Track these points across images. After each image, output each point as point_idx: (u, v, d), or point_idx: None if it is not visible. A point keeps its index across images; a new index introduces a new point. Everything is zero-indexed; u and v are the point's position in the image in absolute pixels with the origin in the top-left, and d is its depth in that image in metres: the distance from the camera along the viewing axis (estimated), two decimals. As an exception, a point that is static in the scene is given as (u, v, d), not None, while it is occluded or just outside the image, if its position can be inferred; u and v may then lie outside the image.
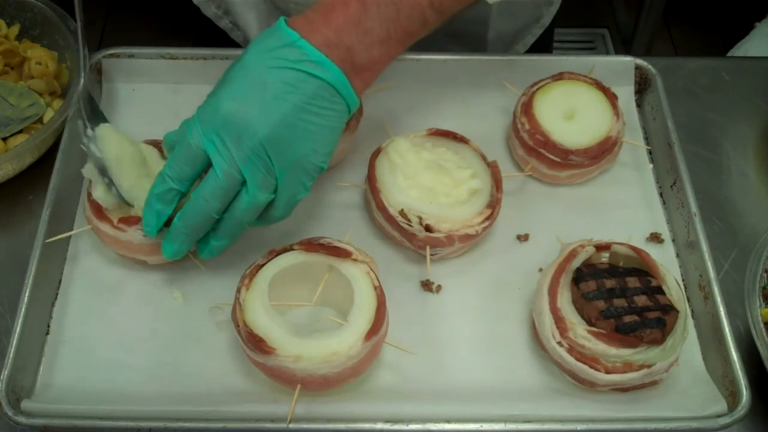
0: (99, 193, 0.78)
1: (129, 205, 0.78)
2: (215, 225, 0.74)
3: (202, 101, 0.94)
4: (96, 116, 0.82)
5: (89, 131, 0.78)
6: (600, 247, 0.78)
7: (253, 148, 0.69)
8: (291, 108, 0.69)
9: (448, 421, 0.72)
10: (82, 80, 0.80)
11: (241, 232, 0.75)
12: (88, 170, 0.78)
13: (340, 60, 0.71)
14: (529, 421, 0.72)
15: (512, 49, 1.10)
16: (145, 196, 0.76)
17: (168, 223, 0.75)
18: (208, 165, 0.71)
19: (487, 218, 0.81)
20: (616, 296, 0.73)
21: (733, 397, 0.74)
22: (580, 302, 0.74)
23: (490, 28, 1.04)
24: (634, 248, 0.77)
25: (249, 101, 0.69)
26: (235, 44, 1.08)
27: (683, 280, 0.84)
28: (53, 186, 0.84)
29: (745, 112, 1.02)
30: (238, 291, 0.73)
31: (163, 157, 0.81)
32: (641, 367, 0.71)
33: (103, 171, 0.77)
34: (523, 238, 0.87)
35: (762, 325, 0.76)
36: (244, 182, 0.71)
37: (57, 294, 0.81)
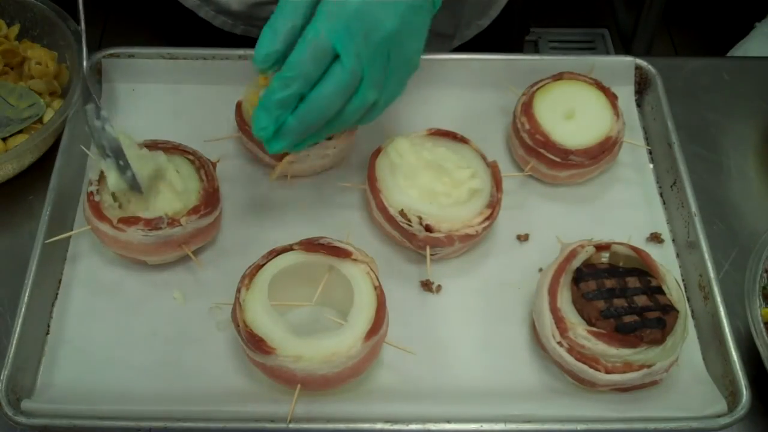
0: (111, 179, 0.77)
1: (139, 192, 0.77)
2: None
3: (202, 101, 0.95)
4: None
5: (103, 112, 0.77)
6: (600, 247, 0.78)
7: (379, 43, 0.68)
8: (407, 4, 0.69)
9: (448, 421, 0.72)
10: (85, 63, 0.79)
11: (336, 131, 0.74)
12: (94, 155, 0.78)
13: None
14: (529, 421, 0.72)
15: (487, 14, 1.10)
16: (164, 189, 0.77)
17: None
18: (331, 63, 0.68)
19: (487, 218, 0.81)
20: (616, 296, 0.73)
21: (733, 397, 0.74)
22: (580, 302, 0.74)
23: None
24: (634, 248, 0.77)
25: None
26: (221, 42, 1.07)
27: (683, 280, 0.84)
28: (53, 186, 0.84)
29: (745, 112, 1.02)
30: (238, 291, 0.73)
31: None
32: (641, 367, 0.71)
33: (117, 153, 0.77)
34: (523, 238, 0.87)
35: (762, 325, 0.76)
36: (360, 81, 0.69)
37: (57, 294, 0.81)
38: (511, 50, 0.99)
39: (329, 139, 0.85)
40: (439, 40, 1.08)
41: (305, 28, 0.67)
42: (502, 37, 1.14)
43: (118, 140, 0.77)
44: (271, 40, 0.69)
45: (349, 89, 0.69)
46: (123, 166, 0.76)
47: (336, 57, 0.67)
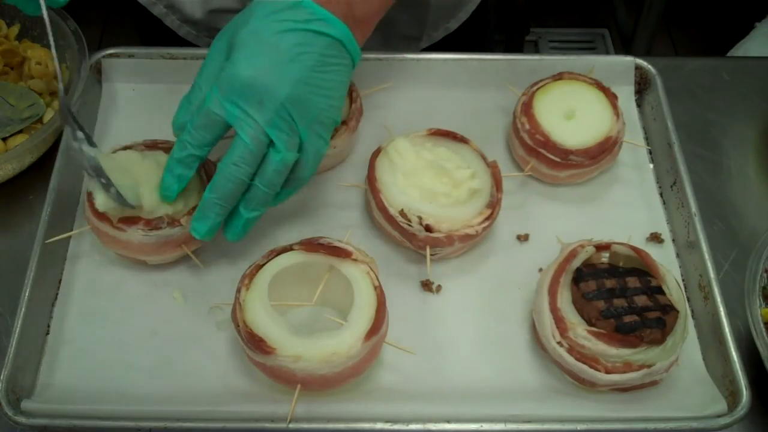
0: (99, 199, 0.77)
1: (130, 206, 0.77)
2: (245, 196, 0.75)
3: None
4: (85, 136, 0.79)
5: (78, 133, 0.77)
6: (600, 247, 0.78)
7: (277, 109, 0.71)
8: (306, 67, 0.72)
9: (448, 421, 0.72)
10: (61, 91, 0.77)
11: (271, 199, 0.76)
12: (87, 179, 0.78)
13: (343, 15, 0.73)
14: (529, 421, 0.72)
15: (455, 17, 1.10)
16: (149, 191, 0.77)
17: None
18: (226, 130, 0.73)
19: (487, 218, 0.81)
20: (616, 296, 0.73)
21: (733, 397, 0.74)
22: (580, 302, 0.74)
23: None
24: (634, 248, 0.77)
25: (265, 66, 0.71)
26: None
27: (683, 280, 0.84)
28: (53, 186, 0.84)
29: (745, 112, 1.02)
30: (238, 291, 0.73)
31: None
32: (641, 367, 0.71)
33: (98, 171, 0.76)
34: (523, 238, 0.87)
35: (762, 325, 0.76)
36: (269, 144, 0.72)
37: (57, 294, 0.81)
38: (485, 51, 1.00)
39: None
40: (405, 42, 1.09)
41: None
42: (473, 38, 1.14)
43: (96, 159, 0.76)
44: (185, 110, 0.75)
45: (257, 154, 0.72)
46: (106, 184, 0.76)
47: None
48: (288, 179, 0.76)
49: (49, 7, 0.77)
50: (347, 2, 0.74)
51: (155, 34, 1.08)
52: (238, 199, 0.74)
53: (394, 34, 1.07)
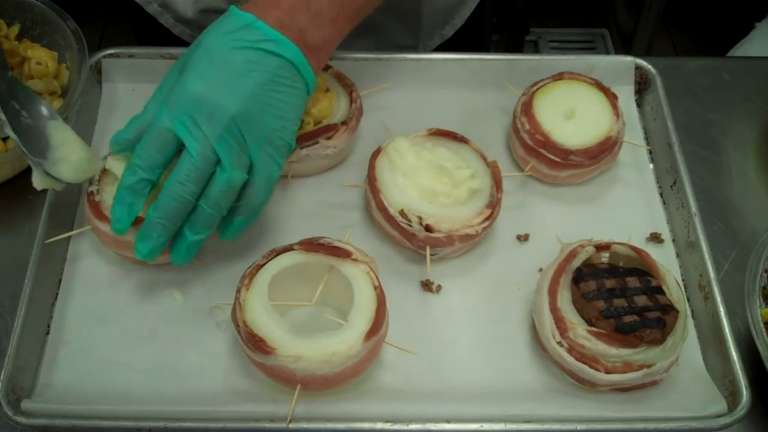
0: (33, 177, 0.75)
1: (64, 182, 0.75)
2: (190, 218, 0.73)
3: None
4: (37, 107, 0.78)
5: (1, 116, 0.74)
6: (600, 247, 0.78)
7: (226, 125, 0.70)
8: (257, 84, 0.71)
9: (448, 421, 0.72)
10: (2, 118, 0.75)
11: (216, 222, 0.74)
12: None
13: (294, 40, 0.73)
14: (529, 421, 0.72)
15: (450, 24, 1.10)
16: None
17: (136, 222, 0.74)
18: (178, 151, 0.71)
19: (487, 218, 0.81)
20: (616, 296, 0.73)
21: (733, 397, 0.74)
22: (580, 302, 0.74)
23: (424, 5, 1.05)
24: (634, 248, 0.77)
25: (216, 81, 0.70)
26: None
27: (683, 280, 0.84)
28: (53, 186, 0.84)
29: (745, 112, 1.02)
30: (238, 291, 0.73)
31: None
32: (641, 367, 0.71)
33: (24, 152, 0.74)
34: (523, 238, 0.87)
35: (762, 325, 0.76)
36: (217, 163, 0.71)
37: (57, 294, 0.81)
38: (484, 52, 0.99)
39: (329, 139, 0.85)
40: (401, 51, 1.09)
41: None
42: (470, 42, 1.14)
43: (17, 140, 0.73)
44: (130, 128, 0.74)
45: (203, 172, 0.70)
46: (34, 162, 0.74)
47: (182, 144, 0.70)
48: (239, 206, 0.74)
49: (48, 6, 0.77)
50: (299, 29, 0.74)
51: (151, 33, 1.08)
52: (182, 219, 0.72)
53: (389, 43, 1.08)
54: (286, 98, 0.73)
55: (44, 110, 0.77)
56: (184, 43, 1.06)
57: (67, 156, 0.76)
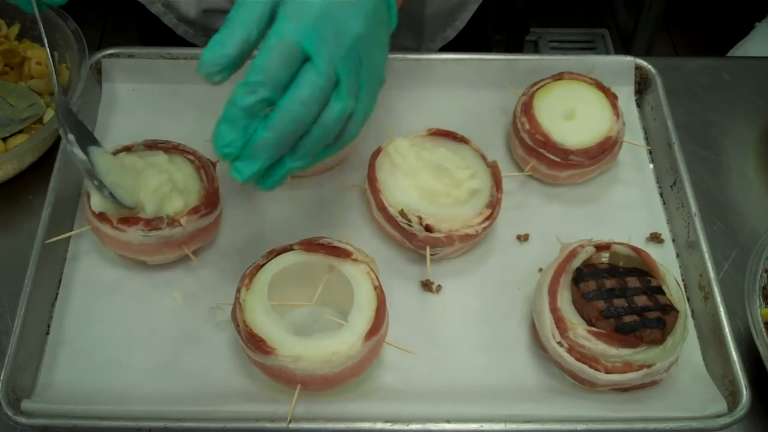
0: (94, 199, 0.76)
1: (127, 207, 0.76)
2: (296, 143, 0.64)
3: (202, 101, 0.95)
4: (85, 135, 0.77)
5: (70, 135, 0.74)
6: (600, 247, 0.78)
7: (350, 45, 0.62)
8: (368, 11, 0.64)
9: (448, 421, 0.72)
10: (56, 89, 0.75)
11: (319, 151, 0.66)
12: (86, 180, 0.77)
13: None
14: (529, 421, 0.72)
15: (452, 26, 1.09)
16: (149, 195, 0.76)
17: None
18: (298, 69, 0.62)
19: (487, 218, 0.81)
20: (616, 296, 0.73)
21: (733, 397, 0.74)
22: (580, 302, 0.74)
23: (427, 6, 1.04)
24: (634, 248, 0.77)
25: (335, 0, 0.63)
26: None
27: (683, 280, 0.84)
28: (53, 186, 0.84)
29: (745, 112, 1.02)
30: (238, 291, 0.73)
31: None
32: (641, 367, 0.71)
33: (90, 173, 0.74)
34: (523, 238, 0.87)
35: (762, 325, 0.76)
36: (334, 89, 0.63)
37: (57, 294, 0.81)
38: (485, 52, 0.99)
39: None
40: (402, 53, 1.09)
41: (266, 33, 0.62)
42: (472, 43, 1.14)
43: (86, 161, 0.74)
44: (222, 44, 0.62)
45: (324, 95, 0.62)
46: (98, 186, 0.74)
47: (305, 60, 0.62)
48: (337, 136, 0.67)
49: (49, 7, 0.76)
50: None
51: (155, 33, 1.08)
52: (293, 143, 0.64)
53: (392, 46, 1.07)
54: (383, 33, 0.68)
55: (89, 136, 0.76)
56: (187, 43, 1.07)
57: (119, 181, 0.75)
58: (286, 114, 0.61)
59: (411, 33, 1.07)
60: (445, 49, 1.11)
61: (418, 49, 1.09)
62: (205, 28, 1.05)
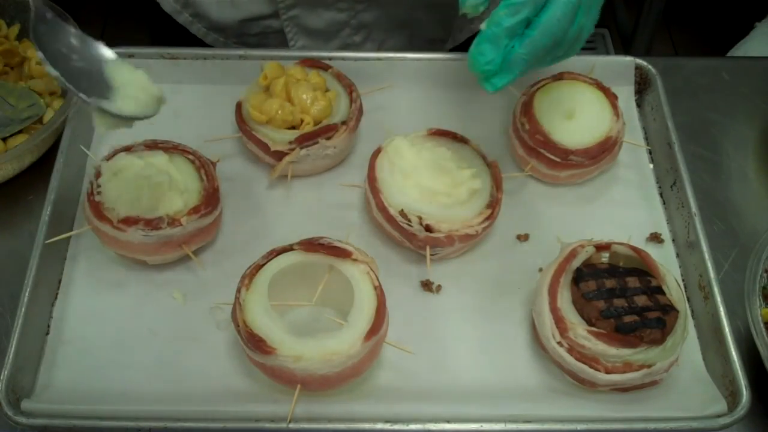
0: (95, 120, 0.70)
1: (124, 120, 0.70)
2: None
3: (202, 101, 0.95)
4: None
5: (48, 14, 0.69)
6: (600, 247, 0.78)
7: None
8: None
9: (448, 421, 0.72)
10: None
11: (548, 61, 0.73)
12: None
13: None
14: (529, 421, 0.72)
15: (479, 18, 1.09)
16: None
17: None
18: None
19: (487, 218, 0.81)
20: (616, 296, 0.73)
21: (733, 397, 0.74)
22: (580, 302, 0.74)
23: None
24: (634, 248, 0.77)
25: None
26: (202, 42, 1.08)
27: (683, 280, 0.84)
28: (53, 186, 0.84)
29: (745, 112, 1.02)
30: (238, 291, 0.73)
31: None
32: (641, 367, 0.71)
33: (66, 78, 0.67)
34: (523, 238, 0.87)
35: (762, 325, 0.76)
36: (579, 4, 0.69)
37: (57, 294, 0.81)
38: None
39: (329, 139, 0.85)
40: (430, 45, 1.09)
41: None
42: None
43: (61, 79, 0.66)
44: None
45: (574, 12, 0.68)
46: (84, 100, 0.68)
47: None
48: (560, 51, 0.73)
49: (50, 3, 0.75)
50: None
51: (167, 33, 1.08)
52: (541, 57, 0.70)
53: (420, 36, 1.07)
54: None
55: (104, 52, 0.72)
56: (188, 44, 1.06)
57: (136, 94, 0.72)
58: (544, 30, 0.67)
59: (441, 24, 1.08)
60: (468, 41, 1.10)
61: (445, 40, 1.10)
62: (239, 35, 1.06)
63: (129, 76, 0.72)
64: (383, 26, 1.05)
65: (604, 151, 0.87)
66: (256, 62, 0.93)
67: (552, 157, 0.86)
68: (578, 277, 0.75)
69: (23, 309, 0.76)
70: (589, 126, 0.87)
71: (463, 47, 1.11)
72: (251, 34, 1.05)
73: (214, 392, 0.75)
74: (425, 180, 0.81)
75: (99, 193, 0.79)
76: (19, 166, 0.90)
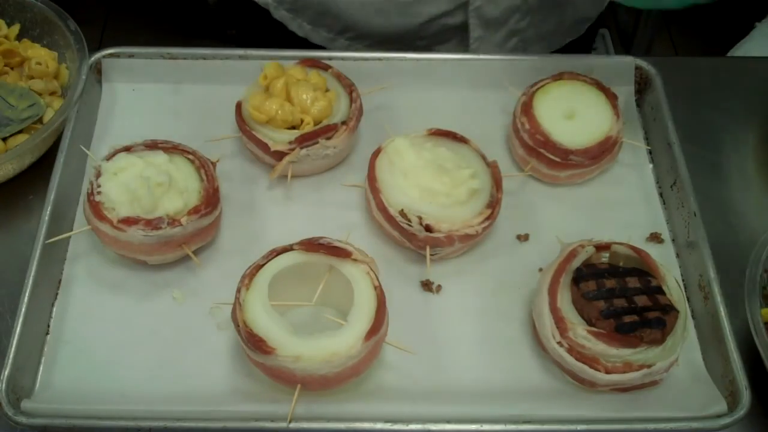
0: None
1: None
2: None
3: (202, 101, 0.95)
4: None
5: None
6: (600, 247, 0.78)
7: None
8: None
9: (448, 421, 0.72)
10: None
11: None
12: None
13: None
14: (529, 421, 0.72)
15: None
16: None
17: None
18: None
19: (487, 218, 0.81)
20: (616, 296, 0.73)
21: (733, 397, 0.74)
22: (580, 302, 0.74)
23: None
24: (634, 248, 0.77)
25: None
26: (230, 43, 1.08)
27: (683, 280, 0.84)
28: (53, 186, 0.84)
29: (745, 112, 1.02)
30: (238, 291, 0.73)
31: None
32: (641, 367, 0.71)
33: None
34: (523, 238, 0.87)
35: (762, 325, 0.76)
36: None
37: (57, 294, 0.81)
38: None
39: (329, 139, 0.85)
40: (578, 25, 1.13)
41: None
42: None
43: None
44: None
45: None
46: None
47: None
48: None
49: (48, 6, 0.75)
50: None
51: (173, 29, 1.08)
52: None
53: (574, 17, 1.10)
54: None
55: None
56: (190, 44, 1.06)
57: None
58: None
59: (593, 2, 1.11)
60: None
61: (592, 19, 1.14)
62: (415, 38, 1.07)
63: None
64: (546, 7, 1.06)
65: (604, 151, 0.87)
66: (256, 62, 0.93)
67: (552, 157, 0.86)
68: (578, 277, 0.75)
69: (23, 309, 0.76)
70: (589, 126, 0.87)
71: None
72: (425, 37, 1.07)
73: (214, 392, 0.75)
74: (425, 180, 0.81)
75: (99, 193, 0.79)
76: (19, 166, 0.90)
